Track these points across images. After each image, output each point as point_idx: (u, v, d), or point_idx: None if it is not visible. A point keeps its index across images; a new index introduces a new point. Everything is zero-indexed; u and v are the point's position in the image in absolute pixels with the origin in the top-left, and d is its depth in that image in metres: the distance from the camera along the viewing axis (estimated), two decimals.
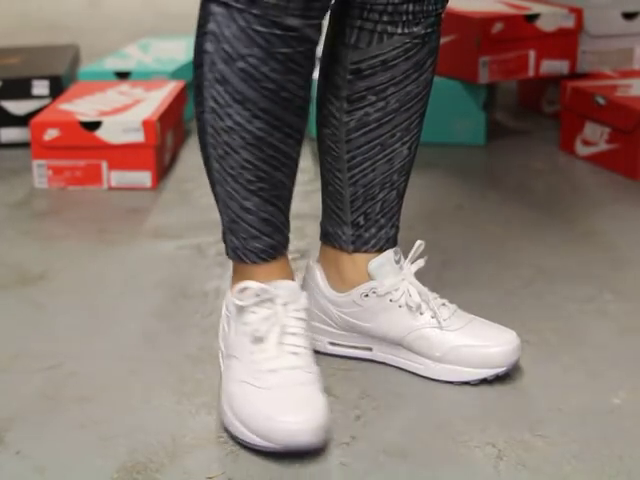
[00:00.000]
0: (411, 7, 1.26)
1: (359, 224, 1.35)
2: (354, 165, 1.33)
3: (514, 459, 1.15)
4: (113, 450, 1.18)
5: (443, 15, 1.31)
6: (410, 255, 1.35)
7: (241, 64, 1.20)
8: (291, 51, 1.20)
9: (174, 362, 1.38)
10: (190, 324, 1.49)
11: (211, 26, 1.20)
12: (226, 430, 1.21)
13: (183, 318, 1.51)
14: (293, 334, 1.24)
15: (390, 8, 1.26)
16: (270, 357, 1.22)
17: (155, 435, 1.21)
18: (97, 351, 1.42)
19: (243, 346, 1.25)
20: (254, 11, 1.18)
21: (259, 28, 1.19)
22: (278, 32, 1.19)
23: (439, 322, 1.32)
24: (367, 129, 1.31)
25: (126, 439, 1.20)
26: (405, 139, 1.32)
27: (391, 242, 1.36)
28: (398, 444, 1.18)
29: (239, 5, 1.19)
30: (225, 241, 1.31)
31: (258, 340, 1.23)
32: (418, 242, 1.36)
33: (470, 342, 1.31)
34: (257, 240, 1.28)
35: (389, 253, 1.34)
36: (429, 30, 1.28)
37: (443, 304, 1.34)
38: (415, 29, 1.27)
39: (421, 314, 1.32)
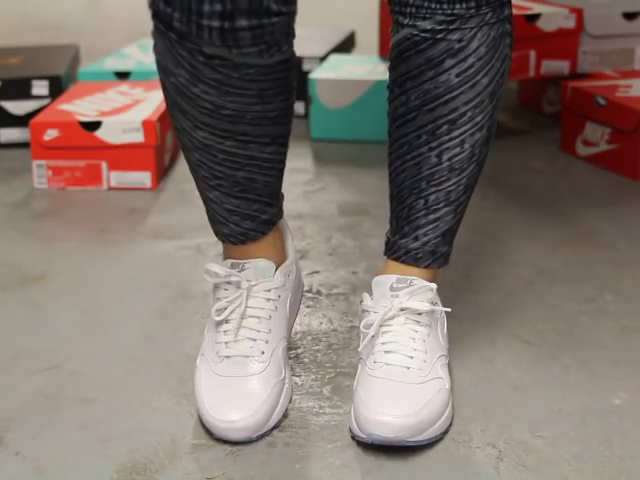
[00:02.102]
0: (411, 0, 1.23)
1: (392, 226, 1.33)
2: (390, 162, 1.31)
3: (514, 460, 1.15)
4: (113, 451, 1.18)
5: (470, 20, 1.22)
6: (408, 289, 1.26)
7: (173, 80, 1.17)
8: (222, 77, 1.13)
9: (174, 362, 1.38)
10: (190, 324, 1.49)
11: (153, 37, 1.18)
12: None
13: (183, 318, 1.51)
14: (256, 317, 1.25)
15: None
16: (228, 341, 1.25)
17: (155, 436, 1.21)
18: (97, 351, 1.42)
19: (212, 323, 1.28)
20: (172, 35, 1.12)
21: (182, 52, 1.13)
22: (202, 59, 1.12)
23: (366, 363, 1.25)
24: (397, 124, 1.28)
25: (126, 440, 1.20)
26: (432, 144, 1.26)
27: (411, 257, 1.30)
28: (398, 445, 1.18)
29: (160, 27, 1.13)
30: None
31: (220, 323, 1.26)
32: (431, 285, 1.27)
33: (360, 394, 1.20)
34: (224, 226, 1.29)
35: (390, 278, 1.27)
36: (440, 27, 1.22)
37: (413, 353, 1.23)
38: (419, 23, 1.23)
39: (370, 345, 1.26)
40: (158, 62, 1.18)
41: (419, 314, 1.25)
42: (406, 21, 1.24)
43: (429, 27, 1.22)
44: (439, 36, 1.23)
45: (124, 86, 2.36)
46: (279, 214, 1.32)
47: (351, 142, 2.35)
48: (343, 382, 1.32)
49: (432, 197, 1.28)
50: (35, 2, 4.52)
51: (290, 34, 1.18)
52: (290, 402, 1.26)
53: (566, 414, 1.24)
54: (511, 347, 1.40)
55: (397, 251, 1.31)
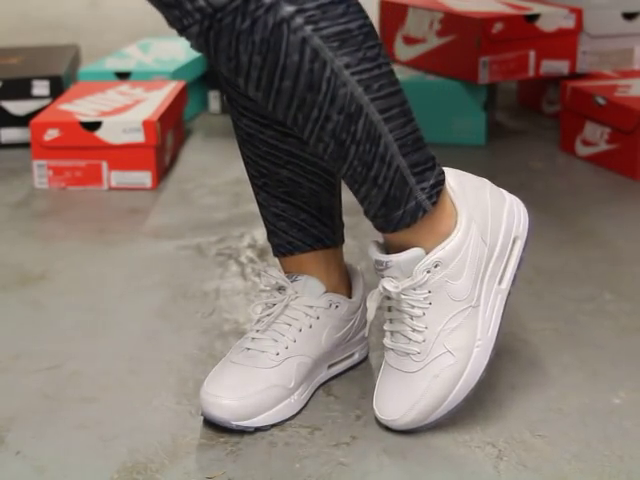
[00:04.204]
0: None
1: None
2: None
3: (514, 459, 1.15)
4: (113, 450, 1.18)
5: None
6: (386, 272, 1.20)
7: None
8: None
9: (174, 362, 1.38)
10: (190, 324, 1.49)
11: None
12: None
13: (183, 318, 1.51)
14: (288, 324, 1.26)
15: None
16: (255, 337, 1.26)
17: (155, 435, 1.21)
18: (98, 351, 1.42)
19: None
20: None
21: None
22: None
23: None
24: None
25: (126, 439, 1.20)
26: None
27: (376, 227, 1.20)
28: (398, 444, 1.18)
29: None
30: None
31: (256, 321, 1.28)
32: (404, 257, 1.19)
33: (378, 380, 1.23)
34: (274, 235, 1.31)
35: (372, 255, 1.22)
36: None
37: (411, 334, 1.20)
38: None
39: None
40: None
41: (413, 289, 1.19)
42: None
43: None
44: None
45: (124, 86, 2.36)
46: (333, 238, 1.32)
47: None
48: (343, 381, 1.32)
49: (346, 181, 1.18)
50: (35, 2, 4.52)
51: None
52: (290, 420, 1.24)
53: (566, 413, 1.24)
54: (510, 346, 1.40)
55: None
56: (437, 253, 1.19)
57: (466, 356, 1.20)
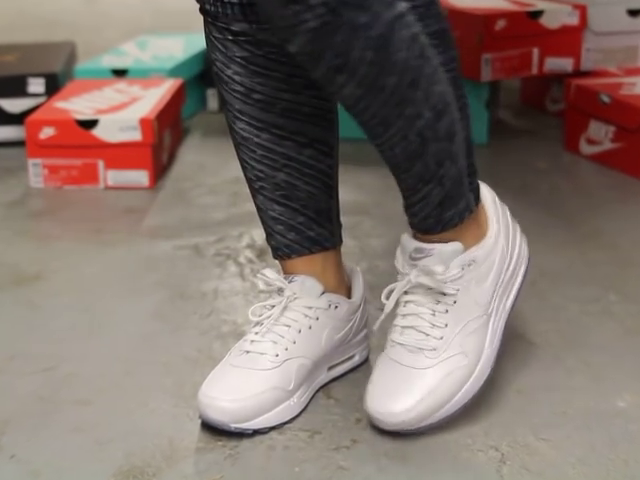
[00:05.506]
0: None
1: None
2: None
3: (517, 463, 1.14)
4: (109, 454, 1.17)
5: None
6: (425, 261, 1.21)
7: (214, 68, 1.25)
8: (249, 55, 1.21)
9: (172, 364, 1.37)
10: (188, 325, 1.48)
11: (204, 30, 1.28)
12: None
13: (181, 319, 1.50)
14: (287, 326, 1.25)
15: None
16: (254, 340, 1.25)
17: (152, 438, 1.20)
18: (93, 353, 1.41)
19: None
20: (209, 19, 1.23)
21: (216, 34, 1.23)
22: (230, 37, 1.21)
23: (388, 338, 1.24)
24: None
25: (123, 442, 1.19)
26: (377, 142, 1.19)
27: (418, 229, 1.22)
28: (399, 447, 1.17)
29: (203, 15, 1.24)
30: None
31: (254, 324, 1.27)
32: (450, 248, 1.21)
33: (374, 374, 1.23)
34: (272, 238, 1.31)
35: (411, 243, 1.22)
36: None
37: (429, 330, 1.21)
38: None
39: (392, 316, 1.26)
40: (209, 55, 1.27)
41: (444, 283, 1.21)
42: None
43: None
44: None
45: (121, 84, 2.35)
46: (331, 240, 1.31)
47: (350, 141, 2.33)
48: (343, 384, 1.31)
49: (409, 181, 1.18)
50: None
51: None
52: (289, 423, 1.23)
53: (570, 417, 1.23)
54: (514, 348, 1.39)
55: (409, 220, 1.23)
56: (477, 251, 1.23)
57: (476, 361, 1.23)
